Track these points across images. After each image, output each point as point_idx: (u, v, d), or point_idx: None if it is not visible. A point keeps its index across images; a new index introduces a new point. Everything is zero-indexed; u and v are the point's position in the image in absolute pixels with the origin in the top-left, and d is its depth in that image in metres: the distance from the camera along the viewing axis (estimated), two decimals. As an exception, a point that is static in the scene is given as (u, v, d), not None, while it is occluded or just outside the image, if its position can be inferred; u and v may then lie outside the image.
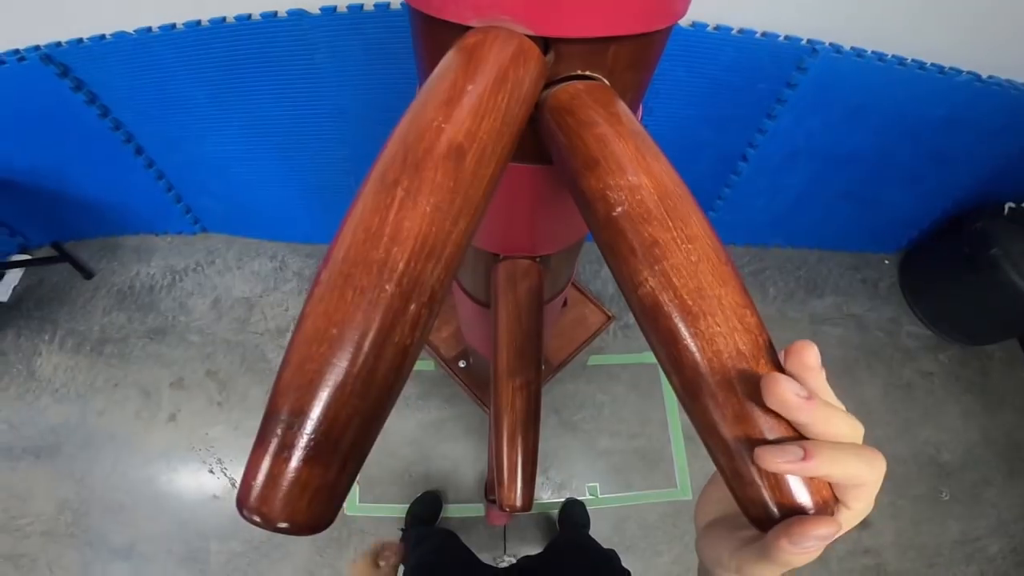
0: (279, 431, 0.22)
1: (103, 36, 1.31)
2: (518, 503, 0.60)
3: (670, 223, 0.29)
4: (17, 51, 1.34)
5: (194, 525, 1.75)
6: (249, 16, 1.25)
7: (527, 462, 0.61)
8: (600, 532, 1.79)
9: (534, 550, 1.25)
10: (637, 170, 0.31)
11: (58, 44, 1.33)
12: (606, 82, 0.40)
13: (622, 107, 0.37)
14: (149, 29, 1.28)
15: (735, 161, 1.82)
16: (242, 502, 0.22)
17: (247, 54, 1.33)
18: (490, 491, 1.35)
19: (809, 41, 1.35)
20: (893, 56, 1.39)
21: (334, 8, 1.23)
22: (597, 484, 1.88)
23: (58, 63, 1.38)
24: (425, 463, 1.86)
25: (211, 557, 1.71)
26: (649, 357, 2.03)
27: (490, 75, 0.31)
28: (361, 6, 1.23)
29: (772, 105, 1.56)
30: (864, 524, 1.84)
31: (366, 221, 0.26)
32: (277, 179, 1.82)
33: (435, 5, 0.37)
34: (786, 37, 1.34)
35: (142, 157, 1.78)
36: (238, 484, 0.25)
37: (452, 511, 1.80)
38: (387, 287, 0.24)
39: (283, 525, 0.22)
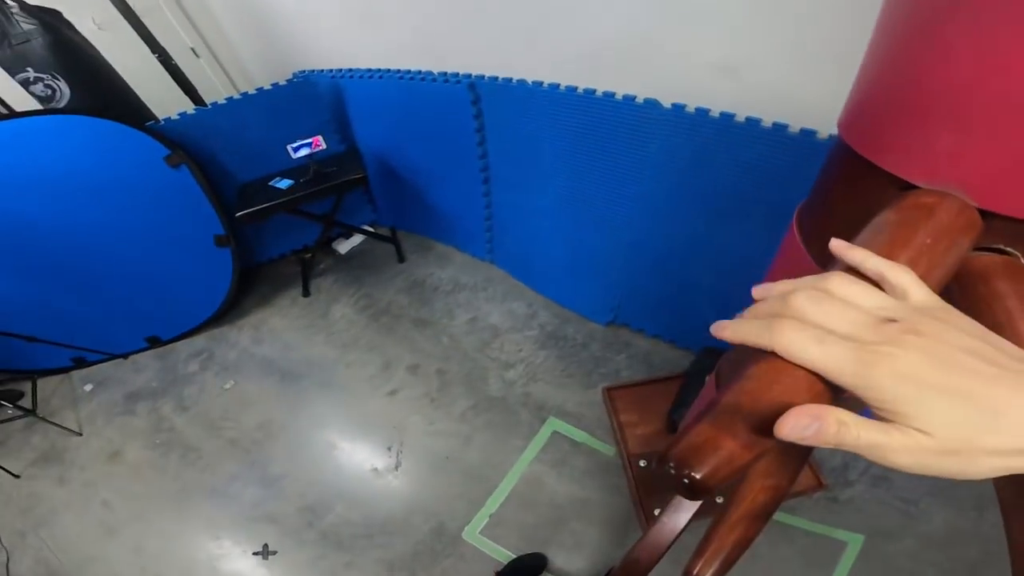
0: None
1: (510, 79, 1.73)
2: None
3: None
4: (456, 75, 1.87)
5: (338, 485, 1.93)
6: (614, 95, 1.48)
7: (737, 548, 0.60)
8: None
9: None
10: None
11: (482, 76, 1.81)
12: (1022, 260, 0.42)
13: None
14: (541, 83, 1.64)
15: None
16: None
17: (598, 126, 1.56)
18: None
19: None
20: None
21: (683, 106, 1.38)
22: None
23: (475, 92, 1.86)
24: (553, 529, 1.75)
25: (327, 517, 1.85)
26: (840, 535, 1.66)
27: (946, 236, 0.36)
28: (707, 111, 1.34)
29: None
30: None
31: None
32: (565, 242, 2.06)
33: (889, 159, 0.44)
34: None
35: (485, 186, 2.23)
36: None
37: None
38: None
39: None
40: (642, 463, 1.78)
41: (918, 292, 0.28)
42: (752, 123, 1.29)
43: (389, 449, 1.99)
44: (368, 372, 2.25)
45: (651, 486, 1.74)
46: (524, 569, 1.66)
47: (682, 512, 1.14)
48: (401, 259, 2.71)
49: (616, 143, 1.57)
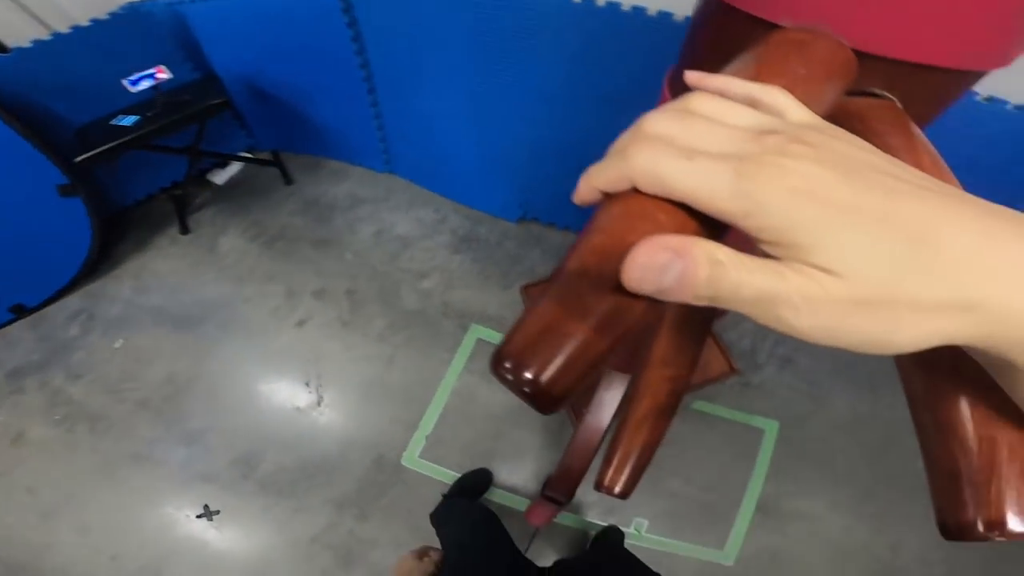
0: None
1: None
2: (618, 488, 0.58)
3: None
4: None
5: (264, 430, 1.86)
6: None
7: (647, 450, 0.57)
8: None
9: (550, 561, 1.13)
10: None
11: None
12: (899, 104, 0.40)
13: (915, 128, 0.37)
14: None
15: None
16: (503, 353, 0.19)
17: (488, 24, 1.41)
18: (548, 487, 1.28)
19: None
20: None
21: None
22: (646, 521, 1.72)
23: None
24: (493, 441, 1.81)
25: (261, 465, 1.81)
26: (757, 421, 1.83)
27: (821, 67, 0.33)
28: (592, 1, 1.26)
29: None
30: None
31: None
32: (468, 144, 1.91)
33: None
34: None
35: (371, 96, 1.99)
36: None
37: (496, 494, 1.74)
38: None
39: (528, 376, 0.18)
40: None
41: (797, 111, 0.22)
42: (638, 11, 1.25)
43: (308, 384, 1.93)
44: (271, 304, 2.11)
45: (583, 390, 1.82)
46: (470, 488, 1.69)
47: (603, 409, 1.17)
48: (288, 181, 2.45)
49: (507, 39, 1.44)
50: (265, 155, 2.49)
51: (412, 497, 1.71)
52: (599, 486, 0.58)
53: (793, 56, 0.32)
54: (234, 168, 2.53)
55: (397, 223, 2.27)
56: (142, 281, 2.24)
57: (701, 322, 0.60)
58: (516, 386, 0.18)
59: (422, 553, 0.94)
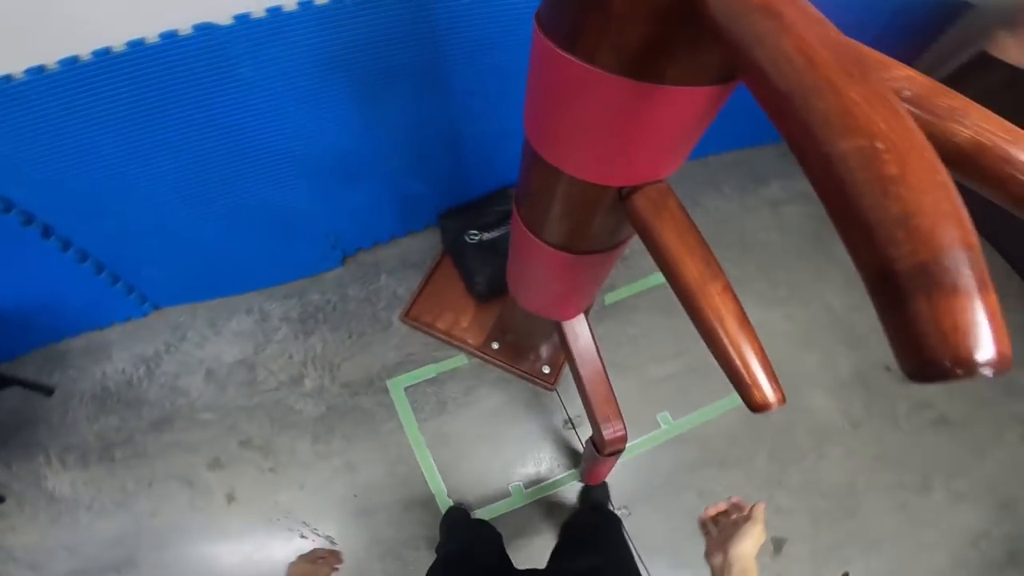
0: (965, 267, 0.22)
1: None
2: (773, 398, 0.56)
3: None
4: None
5: None
6: (143, 40, 1.04)
7: (764, 355, 0.58)
8: (688, 456, 1.87)
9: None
10: None
11: None
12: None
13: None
14: (9, 77, 1.01)
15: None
16: (956, 353, 0.22)
17: (153, 85, 1.11)
18: (607, 445, 1.31)
19: None
20: None
21: (248, 15, 1.07)
22: (667, 412, 1.91)
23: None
24: (498, 455, 1.83)
25: None
26: (657, 278, 2.11)
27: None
28: (280, 8, 1.08)
29: None
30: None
31: None
32: (223, 224, 1.60)
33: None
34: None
35: (53, 239, 1.46)
36: (904, 348, 0.24)
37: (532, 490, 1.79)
38: None
39: (994, 359, 0.22)
40: (494, 345, 1.87)
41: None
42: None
43: (303, 537, 1.68)
44: (182, 502, 1.70)
45: (516, 355, 1.88)
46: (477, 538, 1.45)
47: (586, 352, 1.27)
48: (47, 391, 1.83)
49: (200, 88, 1.16)
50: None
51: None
52: (757, 410, 0.56)
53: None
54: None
55: (218, 352, 1.91)
56: (29, 559, 1.63)
57: (698, 233, 0.64)
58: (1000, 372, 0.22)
59: (316, 556, 0.88)
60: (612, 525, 1.33)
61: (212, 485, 1.73)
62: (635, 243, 2.28)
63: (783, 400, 0.57)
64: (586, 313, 1.29)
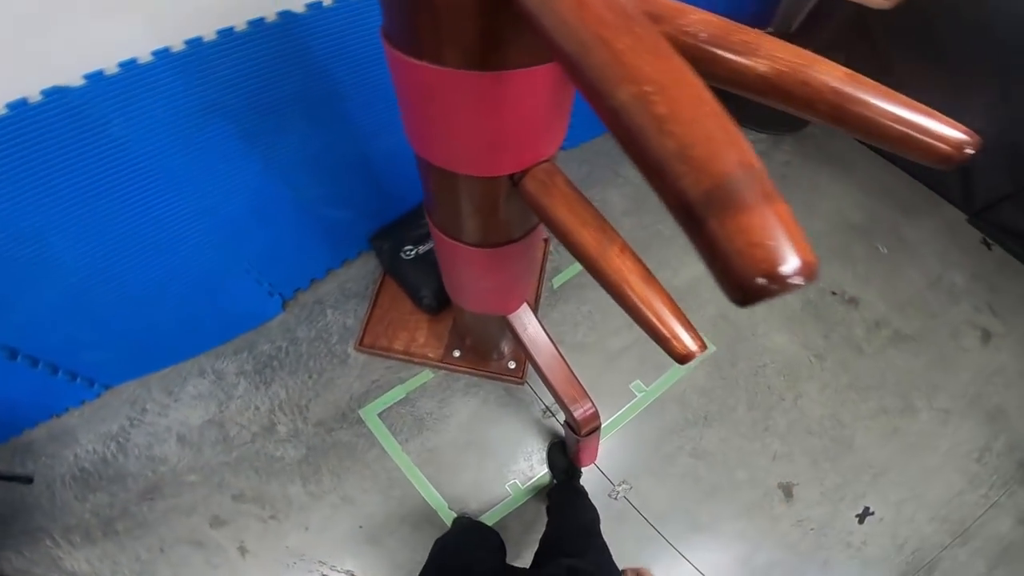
0: (747, 185, 0.23)
1: None
2: (694, 346, 0.58)
3: None
4: None
5: None
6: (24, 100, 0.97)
7: (675, 307, 0.59)
8: (671, 419, 1.92)
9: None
10: None
11: None
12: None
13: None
14: None
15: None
16: (761, 268, 0.22)
17: (14, 159, 1.04)
18: (581, 425, 1.32)
19: None
20: None
21: (101, 72, 1.01)
22: (638, 380, 1.96)
23: None
24: (486, 458, 1.83)
25: None
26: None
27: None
28: (134, 60, 1.03)
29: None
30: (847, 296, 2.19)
31: None
32: (145, 298, 1.54)
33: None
34: None
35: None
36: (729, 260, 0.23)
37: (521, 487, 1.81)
38: None
39: (800, 266, 0.22)
40: (456, 353, 1.88)
41: None
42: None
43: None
44: (198, 562, 1.66)
45: (479, 358, 1.89)
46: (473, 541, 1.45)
47: (538, 337, 1.27)
48: (27, 480, 1.75)
49: (70, 155, 1.09)
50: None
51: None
52: (682, 361, 0.59)
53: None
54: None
55: (183, 418, 1.85)
56: None
57: (588, 203, 0.66)
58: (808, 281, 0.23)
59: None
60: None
61: (221, 542, 1.69)
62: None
63: (703, 346, 0.60)
64: (534, 302, 1.31)
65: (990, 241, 2.36)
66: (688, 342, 0.58)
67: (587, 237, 0.61)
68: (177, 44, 1.04)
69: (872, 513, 1.80)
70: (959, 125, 0.44)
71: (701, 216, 0.23)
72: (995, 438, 1.94)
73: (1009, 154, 2.09)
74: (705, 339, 1.95)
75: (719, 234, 0.23)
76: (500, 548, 1.24)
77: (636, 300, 0.59)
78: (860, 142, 2.52)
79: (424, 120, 0.62)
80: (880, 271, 2.26)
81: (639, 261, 0.61)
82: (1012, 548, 1.78)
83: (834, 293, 2.19)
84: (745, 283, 0.23)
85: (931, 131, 0.43)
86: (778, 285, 0.22)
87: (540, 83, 0.52)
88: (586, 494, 1.60)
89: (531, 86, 0.52)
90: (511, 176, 0.68)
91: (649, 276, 0.61)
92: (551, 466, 1.79)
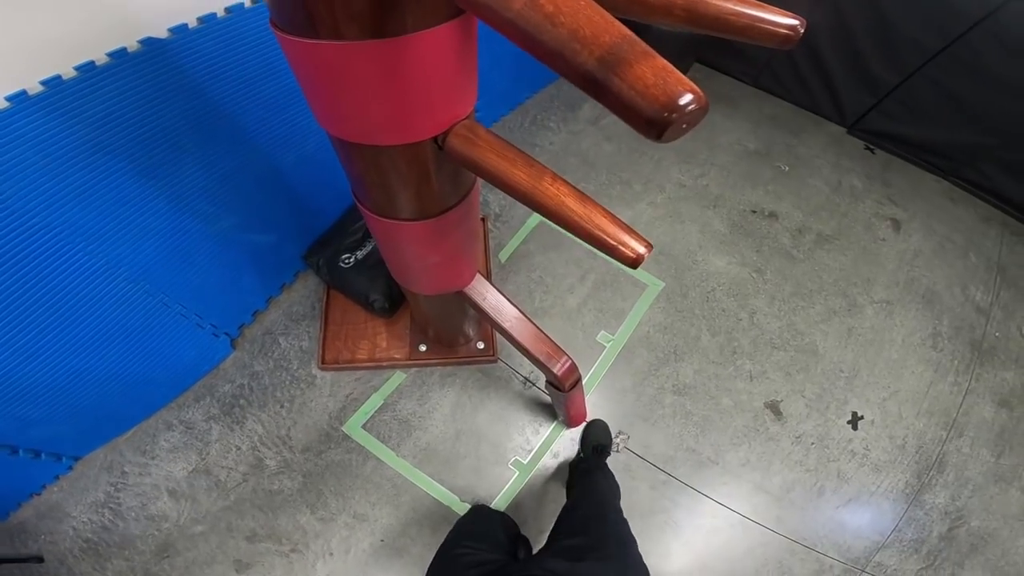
0: (630, 48, 0.32)
1: None
2: (642, 248, 0.63)
3: None
4: None
5: None
6: None
7: (615, 218, 0.64)
8: (643, 362, 2.00)
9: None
10: None
11: None
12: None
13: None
14: None
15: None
16: (661, 101, 0.30)
17: None
18: (560, 381, 1.35)
19: None
20: None
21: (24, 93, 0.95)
22: (603, 331, 2.04)
23: None
24: (483, 444, 1.85)
25: None
26: (535, 219, 2.23)
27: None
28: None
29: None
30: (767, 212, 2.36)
31: None
32: (80, 366, 1.46)
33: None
34: None
35: None
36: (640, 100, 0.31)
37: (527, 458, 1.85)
38: None
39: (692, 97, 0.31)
40: (422, 348, 1.89)
41: None
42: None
43: None
44: None
45: (446, 347, 1.91)
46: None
47: (502, 307, 1.30)
48: (38, 559, 1.68)
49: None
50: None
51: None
52: (632, 266, 0.64)
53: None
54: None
55: (167, 473, 1.79)
56: None
57: (514, 147, 0.70)
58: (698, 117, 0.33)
59: None
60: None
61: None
62: (502, 198, 2.38)
63: (650, 246, 0.64)
64: (486, 274, 1.33)
65: (871, 147, 2.66)
66: (635, 245, 0.63)
67: (519, 175, 0.66)
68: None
69: (862, 417, 1.94)
70: (791, 13, 0.60)
71: (603, 78, 0.30)
72: (939, 321, 2.15)
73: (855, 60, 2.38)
74: (652, 276, 2.11)
75: (621, 87, 0.30)
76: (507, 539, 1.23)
77: (578, 219, 0.63)
78: (737, 79, 2.81)
79: (335, 100, 0.63)
80: (788, 186, 2.48)
81: (571, 185, 0.66)
82: (1006, 433, 1.94)
83: (754, 211, 2.36)
84: (654, 117, 0.31)
85: (770, 20, 0.58)
86: (678, 114, 0.30)
87: (442, 43, 0.55)
88: (605, 467, 1.58)
89: (433, 47, 0.55)
90: (435, 139, 0.70)
91: (584, 196, 0.65)
92: (582, 440, 1.82)
